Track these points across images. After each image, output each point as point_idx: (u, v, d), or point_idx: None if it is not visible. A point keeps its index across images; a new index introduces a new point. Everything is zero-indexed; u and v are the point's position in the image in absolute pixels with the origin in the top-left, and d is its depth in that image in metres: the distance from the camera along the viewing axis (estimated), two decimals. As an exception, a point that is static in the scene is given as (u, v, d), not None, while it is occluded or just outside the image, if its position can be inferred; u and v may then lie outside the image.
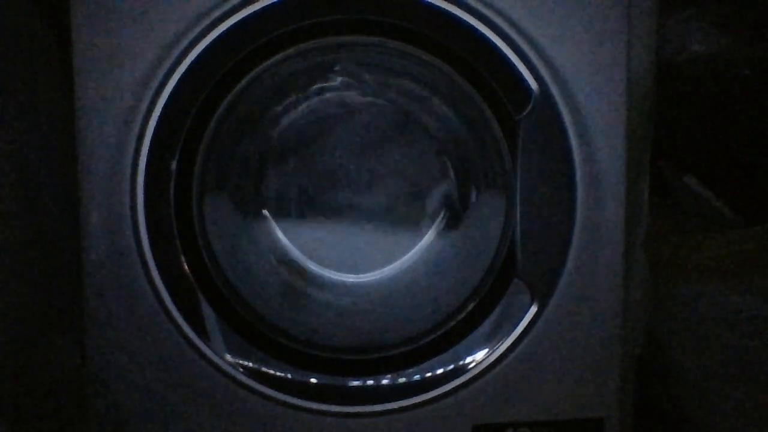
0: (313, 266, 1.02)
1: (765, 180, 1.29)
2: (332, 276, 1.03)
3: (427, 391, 0.92)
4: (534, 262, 0.91)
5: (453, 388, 0.92)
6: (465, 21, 0.87)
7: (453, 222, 1.02)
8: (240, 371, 0.90)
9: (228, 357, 0.90)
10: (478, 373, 0.92)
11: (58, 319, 0.96)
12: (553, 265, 0.91)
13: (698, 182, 1.34)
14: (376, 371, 0.93)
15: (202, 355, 0.90)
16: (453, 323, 0.93)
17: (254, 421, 0.91)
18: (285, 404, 0.91)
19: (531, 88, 0.88)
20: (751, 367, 1.04)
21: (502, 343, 0.92)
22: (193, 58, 0.85)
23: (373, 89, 1.00)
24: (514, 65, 0.88)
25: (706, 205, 1.32)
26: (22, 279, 0.89)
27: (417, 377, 0.93)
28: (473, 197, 1.00)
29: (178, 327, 0.89)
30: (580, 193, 0.90)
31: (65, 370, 0.95)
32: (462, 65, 0.89)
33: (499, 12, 0.87)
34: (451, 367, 0.92)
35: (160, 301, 0.88)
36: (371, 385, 0.93)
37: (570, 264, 0.91)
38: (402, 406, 0.92)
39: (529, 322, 0.92)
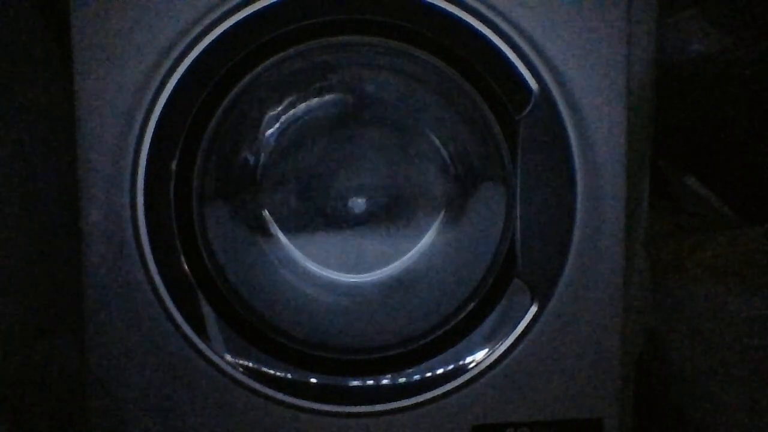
0: (313, 266, 1.02)
1: (765, 180, 1.29)
2: (332, 276, 1.02)
3: (427, 391, 0.92)
4: (534, 262, 0.91)
5: (453, 388, 0.92)
6: (465, 21, 0.87)
7: (453, 222, 1.02)
8: (240, 371, 0.90)
9: (228, 357, 0.90)
10: (478, 373, 0.92)
11: (58, 319, 0.95)
12: (553, 265, 0.91)
13: (698, 182, 1.34)
14: (376, 371, 0.93)
15: (202, 355, 0.90)
16: (453, 323, 0.93)
17: (254, 421, 0.91)
18: (285, 404, 0.91)
19: (531, 88, 0.88)
20: (751, 367, 1.04)
21: (502, 343, 0.92)
22: (193, 58, 0.85)
23: (372, 89, 1.00)
24: (514, 65, 0.88)
25: (706, 205, 1.32)
26: (22, 279, 0.89)
27: (417, 377, 0.93)
28: (473, 197, 1.00)
29: (178, 327, 0.89)
30: (580, 193, 0.90)
31: (65, 370, 0.95)
32: (462, 65, 0.89)
33: (499, 12, 0.87)
34: (451, 367, 0.92)
35: (160, 301, 0.88)
36: (371, 385, 0.93)
37: (570, 264, 0.91)
38: (402, 406, 0.92)
39: (529, 322, 0.92)
